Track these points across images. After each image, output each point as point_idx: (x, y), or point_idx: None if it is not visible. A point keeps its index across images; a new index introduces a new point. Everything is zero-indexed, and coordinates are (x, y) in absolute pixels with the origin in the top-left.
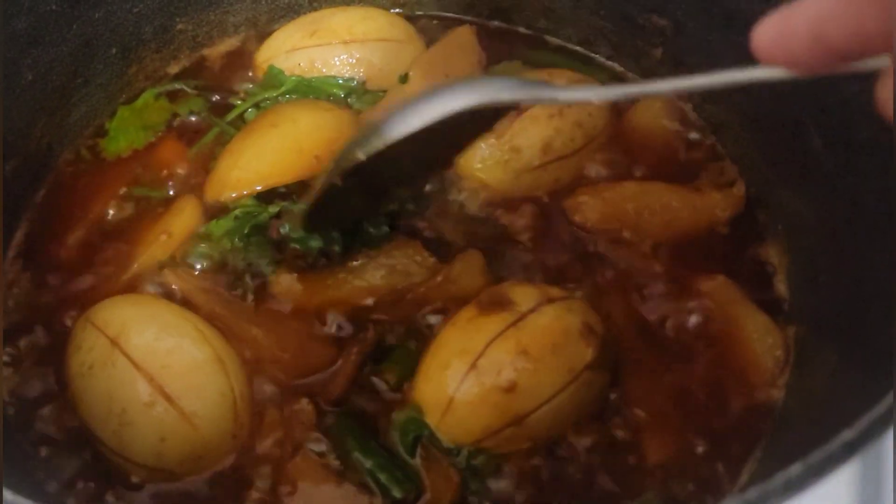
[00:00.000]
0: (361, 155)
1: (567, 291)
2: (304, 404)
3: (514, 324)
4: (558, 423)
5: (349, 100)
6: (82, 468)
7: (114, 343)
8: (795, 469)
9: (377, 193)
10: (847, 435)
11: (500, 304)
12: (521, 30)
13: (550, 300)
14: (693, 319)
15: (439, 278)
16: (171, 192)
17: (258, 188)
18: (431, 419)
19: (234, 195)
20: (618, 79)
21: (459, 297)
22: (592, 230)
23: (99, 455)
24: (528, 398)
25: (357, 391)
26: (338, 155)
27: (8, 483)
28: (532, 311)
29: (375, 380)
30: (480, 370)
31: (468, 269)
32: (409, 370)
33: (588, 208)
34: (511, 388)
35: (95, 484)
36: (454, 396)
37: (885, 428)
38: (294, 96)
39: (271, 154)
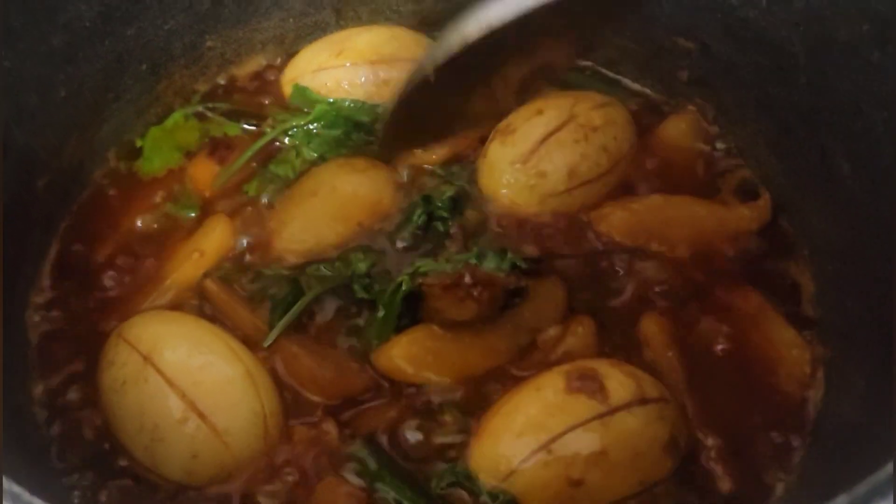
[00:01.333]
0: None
1: (659, 384)
2: (331, 427)
3: (601, 417)
4: None
5: (376, 125)
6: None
7: (146, 359)
8: (841, 500)
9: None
10: (891, 467)
11: (590, 385)
12: None
13: (644, 400)
14: (724, 334)
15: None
16: (201, 211)
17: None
18: (486, 479)
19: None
20: (645, 101)
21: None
22: (619, 242)
23: (129, 470)
24: (592, 497)
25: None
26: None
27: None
28: (623, 408)
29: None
30: (553, 454)
31: (579, 335)
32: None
33: (614, 219)
34: (578, 483)
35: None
36: (517, 469)
37: None
38: (321, 124)
39: (316, 223)
